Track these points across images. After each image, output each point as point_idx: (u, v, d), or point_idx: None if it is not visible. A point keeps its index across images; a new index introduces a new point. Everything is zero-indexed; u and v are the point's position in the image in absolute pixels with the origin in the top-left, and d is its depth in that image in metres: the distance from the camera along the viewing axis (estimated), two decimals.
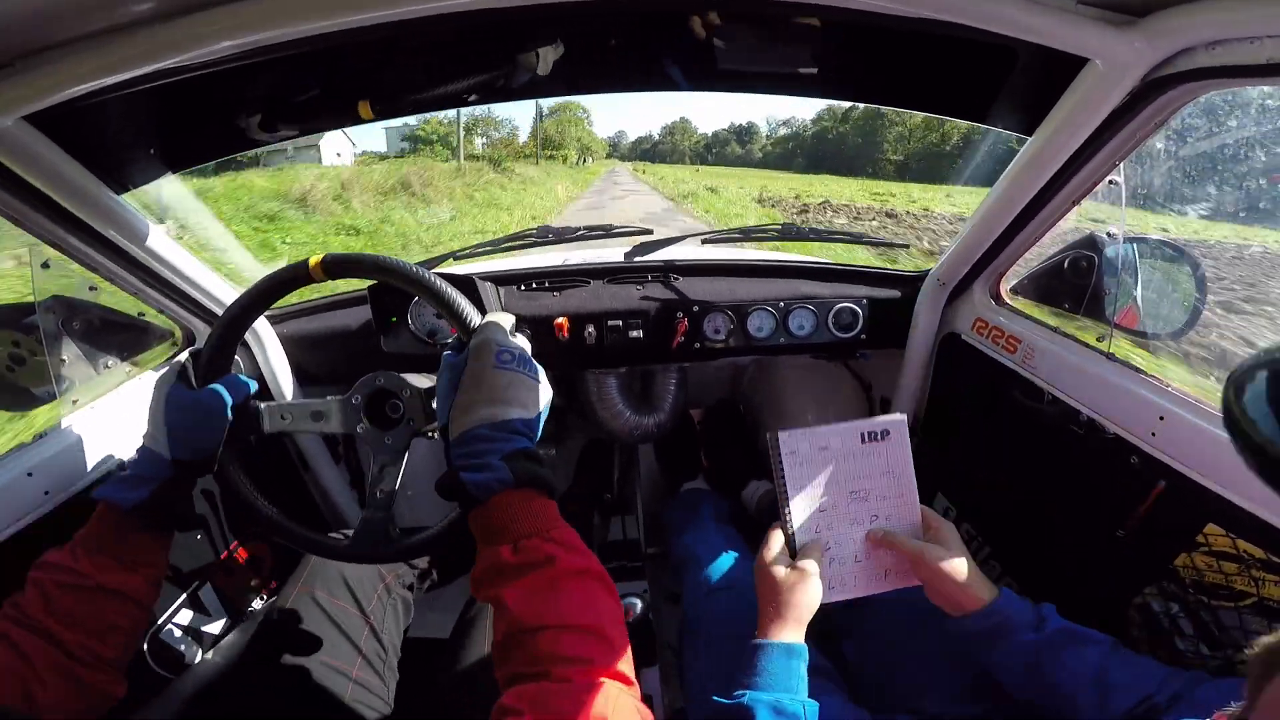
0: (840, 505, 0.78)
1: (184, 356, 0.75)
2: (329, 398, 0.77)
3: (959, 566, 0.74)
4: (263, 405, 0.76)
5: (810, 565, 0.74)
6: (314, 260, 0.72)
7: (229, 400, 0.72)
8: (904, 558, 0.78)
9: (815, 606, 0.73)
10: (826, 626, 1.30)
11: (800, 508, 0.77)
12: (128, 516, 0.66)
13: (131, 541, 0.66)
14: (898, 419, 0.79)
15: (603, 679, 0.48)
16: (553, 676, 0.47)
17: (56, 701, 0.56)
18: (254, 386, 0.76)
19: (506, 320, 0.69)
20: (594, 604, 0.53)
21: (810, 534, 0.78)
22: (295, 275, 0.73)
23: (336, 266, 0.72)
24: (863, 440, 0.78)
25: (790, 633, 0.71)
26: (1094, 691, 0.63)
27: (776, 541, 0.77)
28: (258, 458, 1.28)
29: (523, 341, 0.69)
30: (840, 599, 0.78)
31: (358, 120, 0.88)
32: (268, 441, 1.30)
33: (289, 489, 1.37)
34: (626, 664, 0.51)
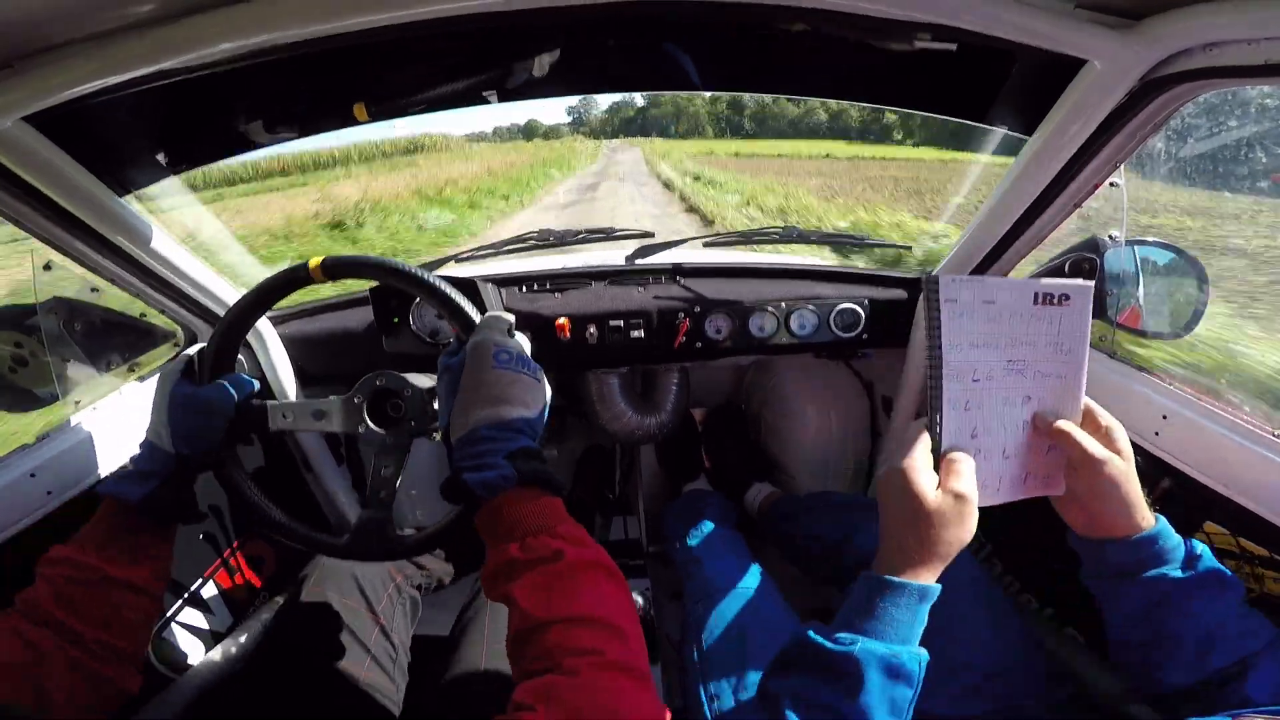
0: (996, 377, 0.59)
1: (191, 351, 0.76)
2: (331, 397, 0.77)
3: (1130, 483, 0.59)
4: (266, 403, 0.77)
5: (969, 489, 0.56)
6: (314, 262, 0.73)
7: (233, 396, 0.73)
8: (1052, 459, 0.61)
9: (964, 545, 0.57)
10: (817, 604, 1.24)
11: (954, 376, 0.58)
12: (133, 511, 0.66)
13: (138, 536, 0.66)
14: (1083, 284, 0.61)
15: (614, 670, 0.48)
16: (563, 669, 0.46)
17: (69, 697, 0.55)
18: (256, 385, 0.77)
19: (504, 318, 0.69)
20: (603, 596, 0.53)
21: (959, 419, 0.59)
22: (295, 277, 0.74)
23: (336, 268, 0.73)
24: (1035, 301, 0.60)
25: (928, 574, 0.57)
26: (1202, 643, 0.57)
27: (923, 447, 0.58)
28: (261, 459, 1.28)
29: (521, 340, 0.69)
30: (982, 505, 0.59)
31: (353, 121, 0.89)
32: (271, 443, 1.31)
33: (292, 491, 1.37)
34: (639, 655, 0.50)
